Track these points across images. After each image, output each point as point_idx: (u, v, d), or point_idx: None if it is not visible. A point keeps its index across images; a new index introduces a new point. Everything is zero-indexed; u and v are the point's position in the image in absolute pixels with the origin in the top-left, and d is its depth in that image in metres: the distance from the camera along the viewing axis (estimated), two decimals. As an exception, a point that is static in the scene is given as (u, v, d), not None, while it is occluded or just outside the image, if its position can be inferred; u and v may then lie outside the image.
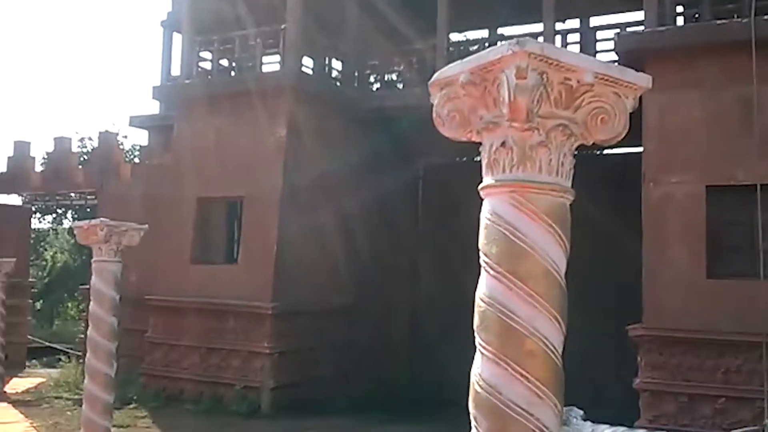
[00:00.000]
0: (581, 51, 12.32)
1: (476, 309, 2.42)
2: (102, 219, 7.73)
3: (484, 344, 2.37)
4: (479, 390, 2.34)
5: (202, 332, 12.29)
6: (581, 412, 5.88)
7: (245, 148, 12.34)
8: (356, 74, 14.05)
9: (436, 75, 2.58)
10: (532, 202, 2.36)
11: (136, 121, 16.62)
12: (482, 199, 2.48)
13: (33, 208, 29.37)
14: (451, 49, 13.15)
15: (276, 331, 11.84)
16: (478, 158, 2.53)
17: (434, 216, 15.11)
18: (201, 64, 13.79)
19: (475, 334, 2.41)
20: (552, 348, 2.34)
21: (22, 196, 21.64)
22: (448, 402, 7.29)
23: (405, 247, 14.79)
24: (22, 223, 21.73)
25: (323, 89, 13.45)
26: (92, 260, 7.82)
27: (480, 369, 2.37)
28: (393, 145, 13.45)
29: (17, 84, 65.50)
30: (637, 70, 2.43)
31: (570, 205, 2.47)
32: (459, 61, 2.47)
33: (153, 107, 15.23)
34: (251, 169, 12.20)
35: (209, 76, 13.65)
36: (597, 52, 12.29)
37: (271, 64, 13.41)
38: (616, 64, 10.60)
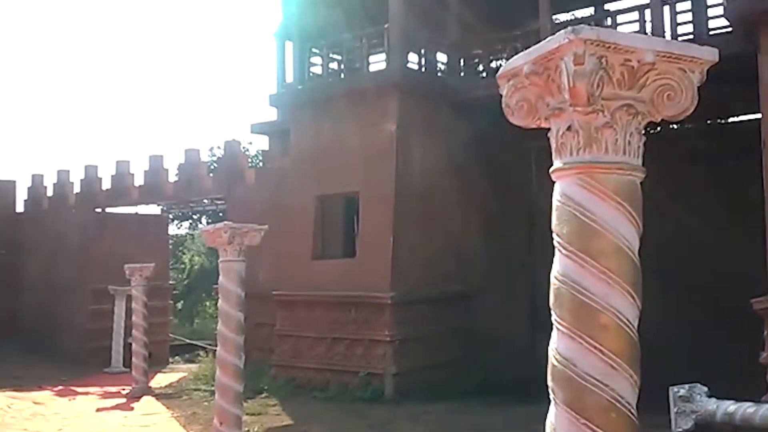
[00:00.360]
0: (693, 18, 11.90)
1: (551, 287, 2.53)
2: (226, 222, 8.27)
3: (559, 320, 2.48)
4: (556, 363, 2.46)
5: (327, 324, 12.80)
6: (705, 389, 5.76)
7: (358, 146, 12.74)
8: (461, 64, 14.16)
9: (502, 67, 2.70)
10: (600, 182, 2.45)
11: (257, 128, 17.40)
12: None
13: (170, 216, 31.35)
14: (555, 30, 12.97)
15: (396, 319, 12.18)
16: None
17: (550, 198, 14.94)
18: (312, 69, 14.31)
19: (551, 310, 2.53)
20: (626, 321, 2.43)
21: (160, 205, 23.13)
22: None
23: (521, 232, 14.72)
24: (160, 231, 23.29)
25: (429, 83, 13.68)
26: (219, 260, 8.39)
27: (556, 344, 2.49)
28: (501, 130, 13.41)
29: (149, 102, 69.67)
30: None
31: (641, 182, 2.54)
32: (523, 52, 2.58)
33: (272, 114, 15.93)
34: (365, 166, 12.59)
35: (319, 80, 14.15)
36: (709, 18, 11.76)
37: (377, 63, 13.73)
38: (729, 30, 10.33)
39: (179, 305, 35.10)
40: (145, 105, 70.61)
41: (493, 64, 14.35)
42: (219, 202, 20.94)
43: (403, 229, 12.38)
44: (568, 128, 2.50)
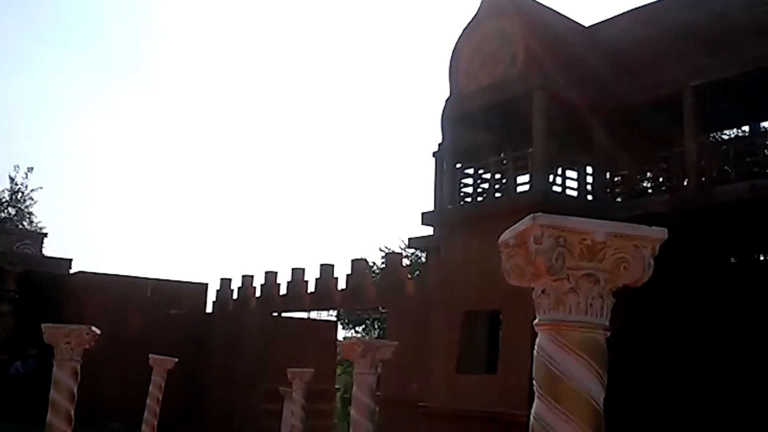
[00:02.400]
0: None
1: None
2: (359, 336, 9.12)
3: None
4: None
5: (468, 437, 13.10)
6: None
7: (500, 264, 13.23)
8: (606, 186, 14.44)
9: (501, 237, 3.34)
10: (564, 338, 2.98)
11: (414, 243, 18.44)
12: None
13: (345, 320, 32.92)
14: (702, 152, 13.03)
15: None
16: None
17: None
18: (464, 189, 15.22)
19: None
20: None
21: (328, 311, 24.61)
22: None
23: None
24: (329, 335, 24.69)
25: (570, 204, 14.06)
26: (353, 372, 9.17)
27: None
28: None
29: (321, 216, 74.21)
30: None
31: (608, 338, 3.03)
32: (511, 228, 3.21)
33: (429, 229, 16.91)
34: (508, 284, 13.00)
35: (467, 200, 15.00)
36: None
37: (524, 185, 14.38)
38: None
39: (350, 409, 36.18)
40: (320, 213, 75.22)
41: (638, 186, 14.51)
42: (382, 309, 22.02)
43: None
44: (543, 291, 3.08)
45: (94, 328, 9.07)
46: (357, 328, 40.14)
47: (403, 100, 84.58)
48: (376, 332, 37.68)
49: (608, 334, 3.03)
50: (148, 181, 73.89)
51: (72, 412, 8.83)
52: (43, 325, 9.07)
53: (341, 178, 78.00)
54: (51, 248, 30.45)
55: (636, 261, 2.98)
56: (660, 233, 2.97)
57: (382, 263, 34.31)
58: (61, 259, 26.86)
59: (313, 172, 79.99)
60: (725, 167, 13.28)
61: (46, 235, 30.75)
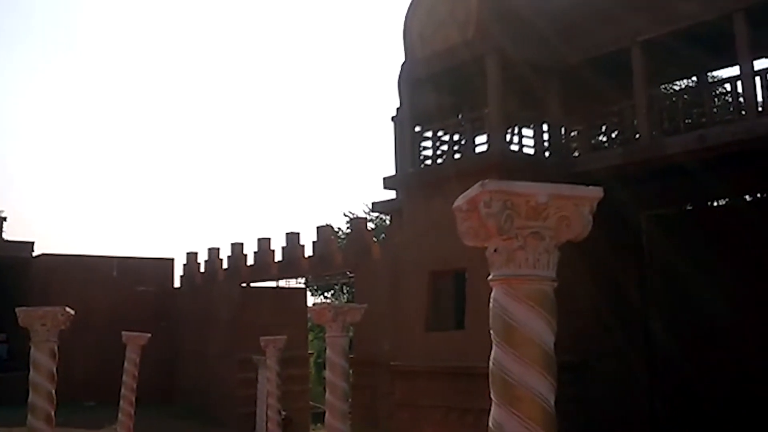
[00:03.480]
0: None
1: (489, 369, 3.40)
2: (329, 302, 9.44)
3: (492, 393, 3.34)
4: (491, 427, 3.31)
5: (440, 393, 13.56)
6: None
7: (462, 224, 13.64)
8: (562, 141, 14.85)
9: (455, 203, 3.64)
10: (516, 290, 3.31)
11: (378, 207, 18.74)
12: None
13: (314, 287, 33.26)
14: (652, 105, 13.49)
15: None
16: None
17: (664, 270, 15.08)
18: (423, 152, 15.50)
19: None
20: (538, 394, 3.24)
21: (297, 279, 24.92)
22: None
23: (633, 305, 14.90)
24: (299, 303, 25.01)
25: (529, 162, 14.45)
26: (325, 335, 9.50)
27: (492, 411, 3.34)
28: (605, 206, 13.88)
29: (286, 184, 74.05)
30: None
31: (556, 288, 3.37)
32: (462, 194, 3.51)
33: (392, 193, 17.18)
34: (471, 242, 13.43)
35: (427, 163, 15.30)
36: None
37: (482, 145, 14.70)
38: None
39: (324, 373, 36.76)
40: (281, 182, 75.14)
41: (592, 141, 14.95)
42: (350, 274, 22.37)
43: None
44: (495, 250, 3.39)
45: (68, 309, 9.22)
46: (326, 294, 40.57)
47: (364, 64, 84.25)
48: (345, 297, 38.15)
49: (555, 284, 3.36)
50: (106, 158, 72.90)
51: (53, 392, 9.01)
52: (17, 309, 9.18)
53: (303, 145, 77.84)
54: (11, 232, 30.17)
55: (576, 218, 3.31)
56: (596, 192, 3.30)
57: (347, 228, 34.67)
58: (23, 242, 26.64)
59: (274, 140, 79.62)
60: (675, 119, 13.76)
61: (5, 219, 30.41)
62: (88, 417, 17.75)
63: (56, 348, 9.19)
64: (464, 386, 13.26)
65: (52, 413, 9.01)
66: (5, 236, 28.16)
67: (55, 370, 9.17)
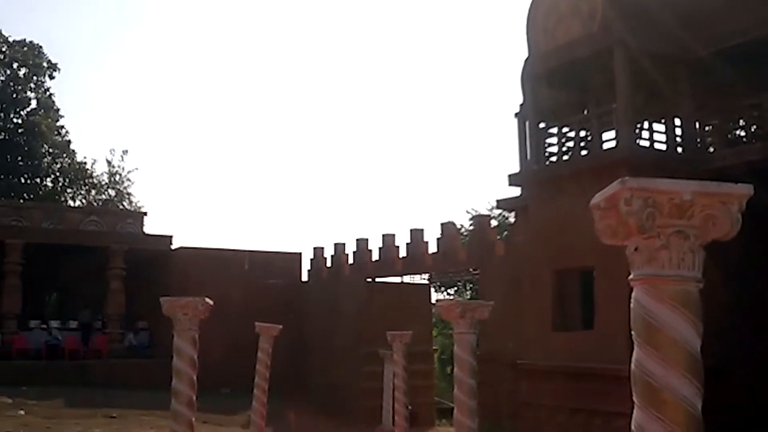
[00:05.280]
0: None
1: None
2: (457, 299, 9.49)
3: (635, 396, 3.27)
4: (633, 429, 3.24)
5: (566, 394, 13.31)
6: None
7: (592, 222, 13.28)
8: (696, 137, 14.18)
9: (592, 201, 3.58)
10: (659, 291, 3.23)
11: (503, 204, 18.57)
12: None
13: (437, 284, 33.39)
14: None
15: (636, 392, 12.32)
16: None
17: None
18: (549, 149, 15.24)
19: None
20: (683, 398, 3.15)
21: (421, 275, 25.08)
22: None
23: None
24: (422, 298, 25.17)
25: (657, 158, 13.90)
26: (454, 332, 9.55)
27: (634, 414, 3.27)
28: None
29: (409, 181, 74.50)
30: None
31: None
32: (601, 191, 3.45)
33: (516, 190, 17.01)
34: (599, 241, 13.07)
35: (552, 160, 15.02)
36: None
37: (610, 141, 14.30)
38: None
39: (448, 370, 36.84)
40: (404, 179, 75.65)
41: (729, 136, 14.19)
42: (474, 271, 22.30)
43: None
44: (635, 248, 3.32)
45: (207, 299, 9.70)
46: (449, 291, 40.60)
47: (489, 60, 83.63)
48: (468, 293, 38.05)
49: (701, 285, 3.25)
50: (239, 157, 76.02)
51: (194, 378, 9.51)
52: (161, 299, 9.74)
53: (427, 143, 78.18)
54: (151, 226, 32.08)
55: (723, 217, 3.18)
56: (745, 189, 3.16)
57: (470, 225, 34.54)
58: (162, 236, 28.19)
59: (400, 137, 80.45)
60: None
61: (146, 213, 32.34)
62: (223, 404, 18.61)
63: (197, 336, 9.70)
64: (592, 388, 12.97)
65: (194, 398, 9.52)
66: (146, 230, 29.88)
67: (196, 357, 9.68)
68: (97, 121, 68.06)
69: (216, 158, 75.16)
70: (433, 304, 28.51)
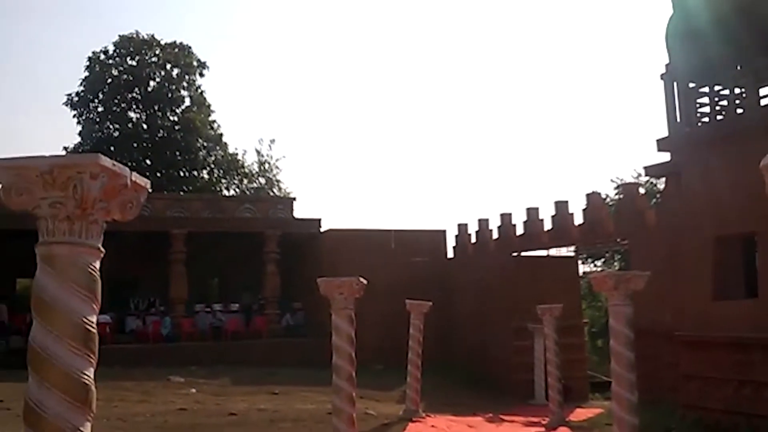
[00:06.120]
0: None
1: None
2: (609, 270, 9.33)
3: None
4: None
5: (731, 366, 12.72)
6: None
7: (753, 184, 12.55)
8: None
9: (763, 161, 3.47)
10: None
11: (651, 170, 17.84)
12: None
13: (584, 255, 32.64)
14: None
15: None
16: None
17: None
18: (701, 110, 14.48)
19: None
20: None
21: (567, 247, 24.63)
22: None
23: None
24: (569, 271, 24.73)
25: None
26: (608, 305, 9.40)
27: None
28: None
29: (549, 151, 72.69)
30: None
31: None
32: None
33: (665, 155, 16.27)
34: (761, 205, 12.36)
35: (704, 120, 14.25)
36: None
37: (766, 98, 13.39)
38: None
39: (599, 342, 35.98)
40: (544, 150, 73.86)
41: None
42: (623, 242, 21.62)
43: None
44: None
45: (361, 279, 10.10)
46: (596, 263, 39.56)
47: (627, 20, 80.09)
48: (617, 265, 36.91)
49: None
50: (380, 138, 77.31)
51: (353, 354, 9.96)
52: (318, 280, 10.22)
53: (565, 112, 76.12)
54: (299, 211, 33.37)
55: None
56: None
57: (617, 195, 33.44)
58: (312, 219, 29.29)
59: (537, 108, 78.84)
60: None
61: (294, 199, 33.70)
62: (377, 380, 19.20)
63: (353, 315, 10.13)
64: (760, 358, 12.34)
65: (353, 374, 9.97)
66: (296, 215, 31.15)
67: (353, 334, 10.11)
68: (245, 114, 71.34)
69: (359, 140, 76.79)
70: (581, 276, 27.95)
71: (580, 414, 18.56)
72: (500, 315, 23.31)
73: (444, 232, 28.78)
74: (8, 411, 12.61)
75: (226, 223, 28.01)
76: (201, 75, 42.12)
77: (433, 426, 14.54)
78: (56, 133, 71.05)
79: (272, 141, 44.55)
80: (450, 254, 28.30)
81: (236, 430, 11.87)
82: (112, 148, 37.01)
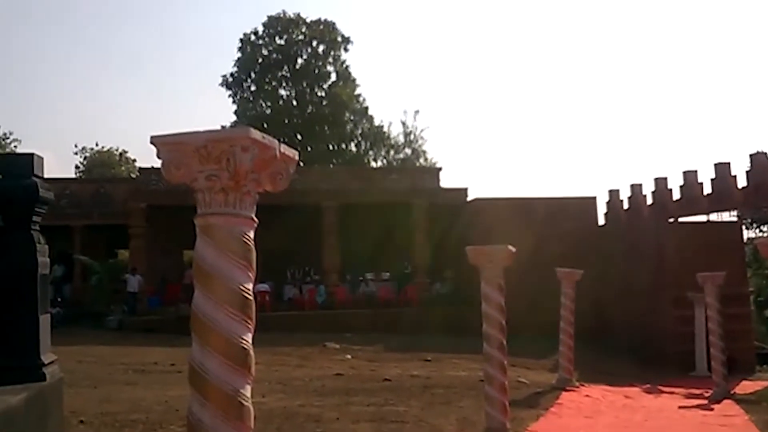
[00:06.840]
0: None
1: None
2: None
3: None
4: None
5: None
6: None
7: None
8: None
9: None
10: None
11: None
12: None
13: (749, 220, 30.55)
14: None
15: None
16: None
17: None
18: None
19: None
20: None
21: (729, 212, 23.13)
22: None
23: None
24: (732, 237, 23.19)
25: None
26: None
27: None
28: None
29: (706, 114, 68.01)
30: None
31: None
32: None
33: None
34: None
35: None
36: None
37: None
38: None
39: (766, 313, 33.68)
40: (700, 112, 69.21)
41: None
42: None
43: None
44: None
45: (510, 247, 9.93)
46: (762, 227, 36.86)
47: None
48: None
49: None
50: (524, 105, 75.77)
51: (503, 322, 9.84)
52: (467, 248, 10.14)
53: (719, 72, 71.05)
54: (445, 180, 33.41)
55: None
56: None
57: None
58: (458, 189, 29.23)
59: (693, 69, 74.13)
60: None
61: (440, 169, 33.76)
62: (527, 348, 18.96)
63: (502, 283, 9.99)
64: None
65: (504, 342, 9.86)
66: (442, 185, 31.21)
67: (503, 303, 9.98)
68: (389, 86, 72.03)
69: (503, 108, 75.56)
70: (746, 242, 26.16)
71: (746, 387, 17.48)
72: (655, 283, 22.32)
73: (594, 198, 27.87)
74: (179, 374, 13.56)
75: (374, 194, 28.53)
76: (345, 50, 42.97)
77: (587, 395, 14.19)
78: (212, 114, 74.99)
79: (416, 112, 45.11)
80: (601, 221, 27.37)
81: (391, 395, 12.13)
82: (265, 125, 38.62)
